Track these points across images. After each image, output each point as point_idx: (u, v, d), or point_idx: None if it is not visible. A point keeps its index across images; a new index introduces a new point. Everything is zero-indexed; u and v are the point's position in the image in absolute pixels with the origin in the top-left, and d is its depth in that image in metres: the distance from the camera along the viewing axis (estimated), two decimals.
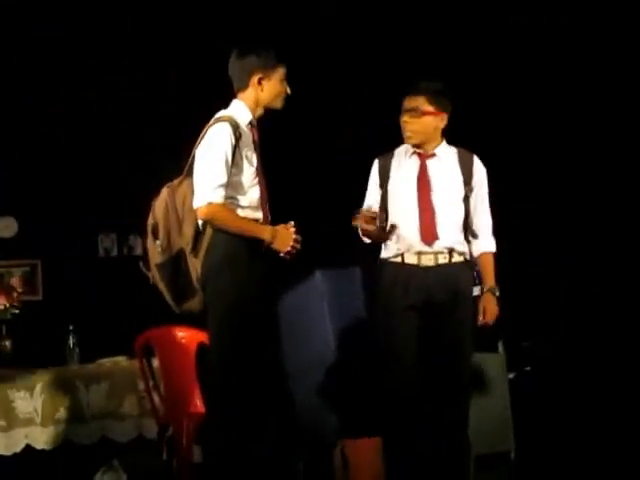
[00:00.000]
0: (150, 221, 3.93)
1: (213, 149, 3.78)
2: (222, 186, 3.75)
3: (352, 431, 5.09)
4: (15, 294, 5.39)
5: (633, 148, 6.42)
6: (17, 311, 5.30)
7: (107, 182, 6.74)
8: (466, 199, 4.24)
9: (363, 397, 4.88)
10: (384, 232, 4.16)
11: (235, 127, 3.80)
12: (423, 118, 4.19)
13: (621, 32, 6.05)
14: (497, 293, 4.23)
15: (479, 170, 4.29)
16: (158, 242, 3.87)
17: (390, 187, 4.26)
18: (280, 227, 3.83)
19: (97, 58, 6.42)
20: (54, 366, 5.14)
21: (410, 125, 4.21)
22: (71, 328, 5.29)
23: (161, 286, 3.91)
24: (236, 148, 3.78)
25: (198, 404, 4.97)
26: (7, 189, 6.66)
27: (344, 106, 6.49)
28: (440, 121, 4.25)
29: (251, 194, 3.87)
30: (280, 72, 3.95)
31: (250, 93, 3.92)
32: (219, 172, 3.75)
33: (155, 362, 5.12)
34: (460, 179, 4.24)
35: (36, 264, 6.73)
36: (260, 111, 3.96)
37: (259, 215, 3.90)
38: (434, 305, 4.16)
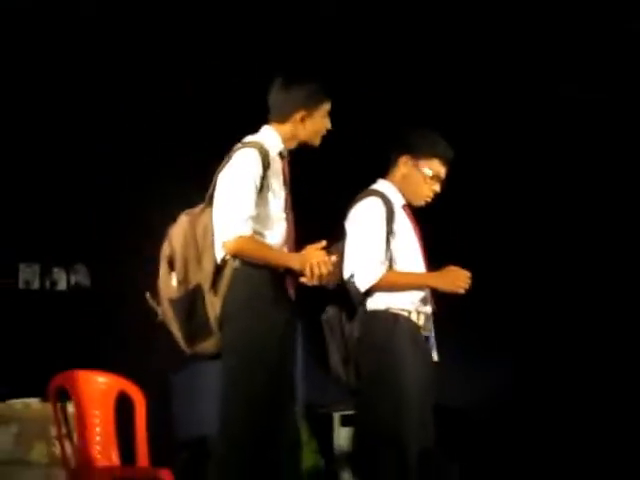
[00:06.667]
0: (166, 250, 3.62)
1: (241, 177, 3.52)
2: (251, 217, 3.50)
3: None
4: None
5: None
6: None
7: (31, 207, 6.39)
8: None
9: None
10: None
11: (264, 155, 3.56)
12: None
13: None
14: None
15: None
16: (174, 274, 3.58)
17: (398, 240, 3.91)
18: (309, 250, 3.49)
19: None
20: None
21: (435, 193, 3.99)
22: None
23: (173, 324, 3.58)
24: (263, 178, 3.55)
25: (113, 457, 4.78)
26: None
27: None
28: None
29: (277, 229, 3.60)
30: (324, 108, 3.72)
31: (288, 127, 3.69)
32: (248, 202, 3.49)
33: (70, 408, 4.86)
34: None
35: None
36: (294, 144, 3.73)
37: None
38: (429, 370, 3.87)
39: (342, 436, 6.13)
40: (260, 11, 5.65)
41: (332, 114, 3.75)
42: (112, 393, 4.82)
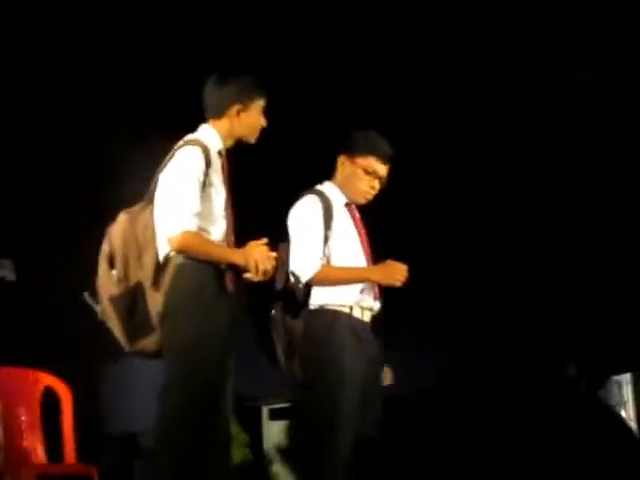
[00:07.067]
0: (106, 248, 3.59)
1: (184, 174, 3.54)
2: (196, 214, 3.52)
3: None
4: None
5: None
6: None
7: None
8: None
9: None
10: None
11: (206, 152, 3.59)
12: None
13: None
14: None
15: None
16: (114, 272, 3.55)
17: (336, 236, 3.94)
18: (251, 246, 3.53)
19: None
20: None
21: (375, 192, 4.01)
22: None
23: (113, 321, 3.53)
24: (206, 175, 3.57)
25: (39, 454, 4.74)
26: None
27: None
28: None
29: (219, 226, 3.62)
30: (259, 104, 3.76)
31: (224, 123, 3.73)
32: (193, 198, 3.51)
33: None
34: None
35: None
36: (231, 142, 3.76)
37: None
38: (375, 363, 3.91)
39: (272, 430, 6.13)
40: (260, 11, 5.70)
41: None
42: (38, 389, 4.80)
